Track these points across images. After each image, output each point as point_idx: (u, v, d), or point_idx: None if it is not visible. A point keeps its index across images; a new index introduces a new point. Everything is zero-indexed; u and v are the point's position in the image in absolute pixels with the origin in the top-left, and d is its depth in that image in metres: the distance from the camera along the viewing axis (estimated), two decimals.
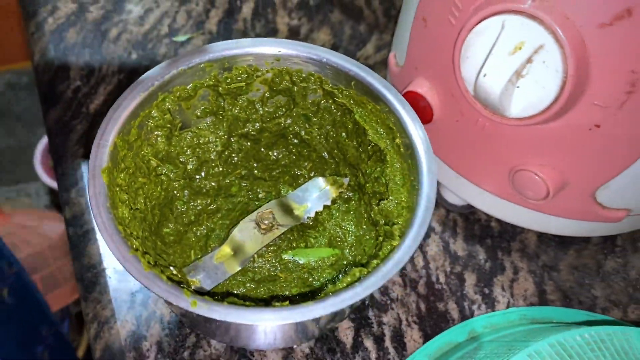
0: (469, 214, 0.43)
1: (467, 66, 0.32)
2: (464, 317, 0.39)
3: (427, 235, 0.42)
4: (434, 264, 0.41)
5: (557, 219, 0.38)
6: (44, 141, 1.30)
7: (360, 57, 0.51)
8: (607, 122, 0.31)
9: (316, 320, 0.31)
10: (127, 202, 0.29)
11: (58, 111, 0.47)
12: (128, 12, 0.53)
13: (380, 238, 0.31)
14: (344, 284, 0.27)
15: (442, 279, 0.40)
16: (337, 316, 0.32)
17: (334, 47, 0.52)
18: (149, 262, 0.26)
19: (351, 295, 0.25)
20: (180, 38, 0.52)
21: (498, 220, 0.43)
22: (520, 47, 0.29)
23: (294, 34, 0.53)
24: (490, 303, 0.40)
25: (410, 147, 0.31)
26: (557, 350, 0.30)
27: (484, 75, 0.30)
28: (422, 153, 0.30)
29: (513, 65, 0.29)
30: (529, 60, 0.29)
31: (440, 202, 0.43)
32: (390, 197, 0.32)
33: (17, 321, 0.72)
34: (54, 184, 1.25)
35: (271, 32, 0.53)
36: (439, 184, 0.43)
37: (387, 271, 0.26)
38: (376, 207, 0.33)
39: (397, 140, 0.32)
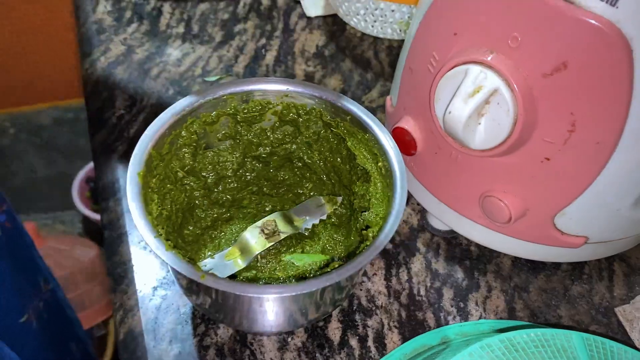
0: (452, 238, 0.49)
1: (440, 106, 0.38)
2: (439, 325, 0.44)
3: (412, 254, 0.48)
4: (417, 279, 0.47)
5: (523, 242, 0.44)
6: (82, 173, 1.38)
7: (365, 100, 0.59)
8: (555, 156, 0.37)
9: (304, 310, 0.37)
10: (156, 201, 0.36)
11: (103, 135, 0.55)
12: (168, 54, 0.62)
13: (362, 244, 0.37)
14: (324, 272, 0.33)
15: (422, 292, 0.46)
16: (320, 309, 0.38)
17: (343, 92, 0.60)
18: (169, 245, 0.33)
19: (327, 278, 0.31)
20: (211, 79, 0.60)
21: (477, 245, 0.49)
22: (478, 90, 0.35)
23: (309, 79, 0.61)
24: (464, 315, 0.45)
25: (389, 169, 0.38)
26: (506, 344, 0.35)
27: (449, 113, 0.36)
28: (398, 173, 0.37)
29: (472, 105, 0.36)
30: (487, 102, 0.36)
31: (426, 227, 0.49)
32: (371, 210, 0.38)
33: (49, 336, 0.77)
34: (88, 213, 1.33)
35: (289, 76, 0.61)
36: (424, 210, 0.49)
37: (356, 263, 0.32)
38: (361, 219, 0.39)
39: (380, 163, 0.38)
